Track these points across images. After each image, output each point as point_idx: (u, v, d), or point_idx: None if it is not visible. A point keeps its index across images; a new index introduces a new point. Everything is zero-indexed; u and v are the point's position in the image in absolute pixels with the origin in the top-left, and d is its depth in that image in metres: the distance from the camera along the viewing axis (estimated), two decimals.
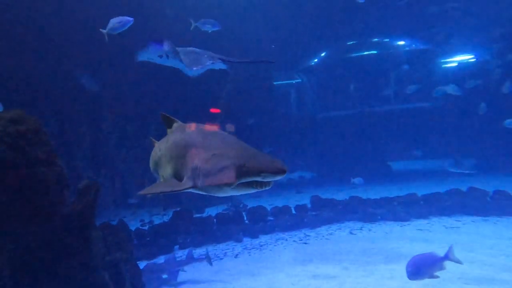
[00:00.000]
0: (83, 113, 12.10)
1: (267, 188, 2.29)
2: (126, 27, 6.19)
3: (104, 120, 12.46)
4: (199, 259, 6.36)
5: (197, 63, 6.00)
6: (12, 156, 3.24)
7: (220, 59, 6.25)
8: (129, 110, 12.61)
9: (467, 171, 11.80)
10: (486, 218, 8.31)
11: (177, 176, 2.68)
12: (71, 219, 3.49)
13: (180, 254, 7.53)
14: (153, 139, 3.74)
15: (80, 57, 11.21)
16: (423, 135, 16.48)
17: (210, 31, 8.66)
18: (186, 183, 2.51)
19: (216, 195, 2.48)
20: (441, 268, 4.01)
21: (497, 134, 14.64)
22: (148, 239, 7.76)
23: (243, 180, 2.23)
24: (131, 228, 8.23)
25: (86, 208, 3.48)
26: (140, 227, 8.85)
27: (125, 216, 10.88)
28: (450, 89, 11.92)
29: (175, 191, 2.52)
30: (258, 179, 2.21)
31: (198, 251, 7.61)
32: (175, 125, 3.24)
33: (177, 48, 5.93)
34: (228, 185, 2.27)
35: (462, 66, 17.74)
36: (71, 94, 11.62)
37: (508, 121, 11.15)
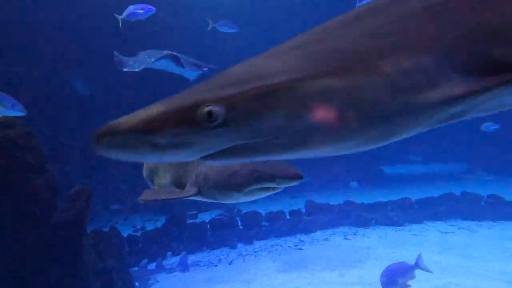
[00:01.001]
0: (75, 118, 11.96)
1: (278, 190, 2.22)
2: (147, 16, 6.20)
3: (96, 124, 12.31)
4: (171, 269, 6.21)
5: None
6: (0, 161, 3.14)
7: (194, 64, 6.31)
8: (122, 115, 12.48)
9: (485, 177, 11.76)
10: (480, 222, 8.35)
11: (178, 183, 2.59)
12: (62, 227, 3.40)
13: (173, 260, 7.42)
14: None
15: (73, 62, 11.10)
16: (416, 139, 16.59)
17: (227, 32, 8.78)
18: (190, 190, 2.41)
19: (224, 202, 2.39)
20: (412, 277, 4.13)
21: (487, 138, 14.84)
22: (140, 245, 7.63)
23: (256, 186, 2.15)
24: (123, 234, 8.09)
25: (77, 215, 3.38)
26: (132, 233, 8.71)
27: (117, 221, 10.71)
28: None
29: (179, 198, 2.43)
30: (272, 185, 2.14)
31: (192, 258, 7.50)
32: None
33: (153, 51, 5.99)
34: (239, 191, 2.19)
35: None
36: (63, 99, 11.48)
37: (485, 124, 11.33)
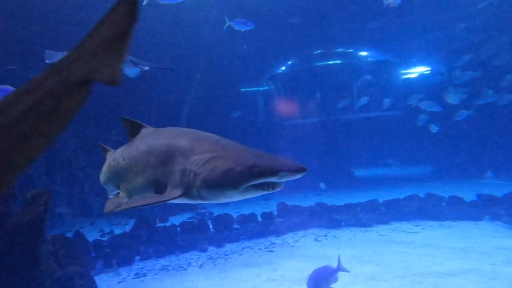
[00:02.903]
0: None
1: (277, 189, 2.10)
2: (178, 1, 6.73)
3: None
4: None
5: None
6: None
7: (131, 61, 6.37)
8: (89, 113, 12.03)
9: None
10: (442, 222, 8.75)
11: (155, 186, 2.37)
12: (17, 232, 3.19)
13: (142, 265, 7.22)
14: (105, 146, 3.30)
15: (36, 58, 10.57)
16: (385, 143, 17.21)
17: (243, 30, 8.96)
18: (173, 192, 2.21)
19: (214, 202, 2.24)
20: (336, 279, 4.31)
21: (451, 142, 15.67)
22: (107, 250, 7.35)
23: (255, 182, 2.03)
24: (89, 239, 7.78)
25: (34, 219, 3.19)
26: (99, 238, 8.39)
27: (83, 226, 10.30)
28: (425, 105, 12.47)
29: (161, 202, 2.20)
30: (274, 179, 2.02)
31: (161, 262, 7.34)
32: (144, 130, 2.77)
33: None
34: (235, 189, 2.04)
35: (420, 77, 18.82)
36: None
37: (432, 125, 12.48)
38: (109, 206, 2.56)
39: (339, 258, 4.41)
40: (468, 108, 12.79)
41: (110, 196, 2.92)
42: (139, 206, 2.28)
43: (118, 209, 2.41)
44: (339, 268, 4.35)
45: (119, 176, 2.77)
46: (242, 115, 16.41)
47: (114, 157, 2.91)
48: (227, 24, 9.05)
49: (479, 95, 13.17)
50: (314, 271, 4.24)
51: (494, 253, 6.30)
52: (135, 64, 6.35)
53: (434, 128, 12.68)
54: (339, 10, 14.65)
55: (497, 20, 14.35)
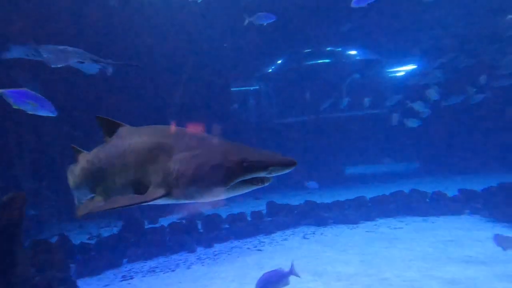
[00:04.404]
0: (24, 117, 11.20)
1: (266, 184, 2.05)
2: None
3: (47, 124, 11.62)
4: None
5: (61, 61, 6.28)
6: None
7: (91, 59, 6.53)
8: (77, 114, 11.91)
9: None
10: (425, 218, 8.89)
11: (135, 187, 2.28)
12: None
13: (129, 267, 7.19)
14: (78, 148, 3.17)
15: (21, 59, 10.43)
16: (375, 141, 17.38)
17: (265, 24, 9.05)
18: (156, 192, 2.12)
19: (201, 200, 2.16)
20: (287, 283, 4.24)
21: (437, 140, 15.91)
22: (93, 253, 7.30)
23: (245, 178, 1.97)
24: (76, 242, 7.72)
25: (9, 223, 3.16)
26: (86, 241, 8.33)
27: (70, 230, 10.20)
28: (417, 106, 12.64)
29: (143, 202, 2.12)
30: (264, 174, 1.97)
31: (149, 264, 7.31)
32: (122, 129, 2.66)
33: (49, 46, 6.23)
34: (223, 185, 1.98)
35: (407, 75, 19.04)
36: None
37: (411, 119, 12.66)
38: (82, 209, 2.52)
39: (292, 263, 4.36)
40: (440, 106, 13.08)
41: (82, 201, 2.88)
42: (119, 206, 2.18)
43: (97, 209, 2.37)
44: (291, 272, 4.29)
45: (94, 179, 2.67)
46: (232, 114, 16.43)
47: (88, 158, 2.81)
48: (246, 21, 9.09)
49: (452, 94, 13.50)
50: (263, 275, 4.16)
51: (472, 245, 6.50)
52: (94, 61, 6.43)
53: (414, 123, 12.73)
54: (328, 9, 14.75)
55: (469, 28, 14.82)
